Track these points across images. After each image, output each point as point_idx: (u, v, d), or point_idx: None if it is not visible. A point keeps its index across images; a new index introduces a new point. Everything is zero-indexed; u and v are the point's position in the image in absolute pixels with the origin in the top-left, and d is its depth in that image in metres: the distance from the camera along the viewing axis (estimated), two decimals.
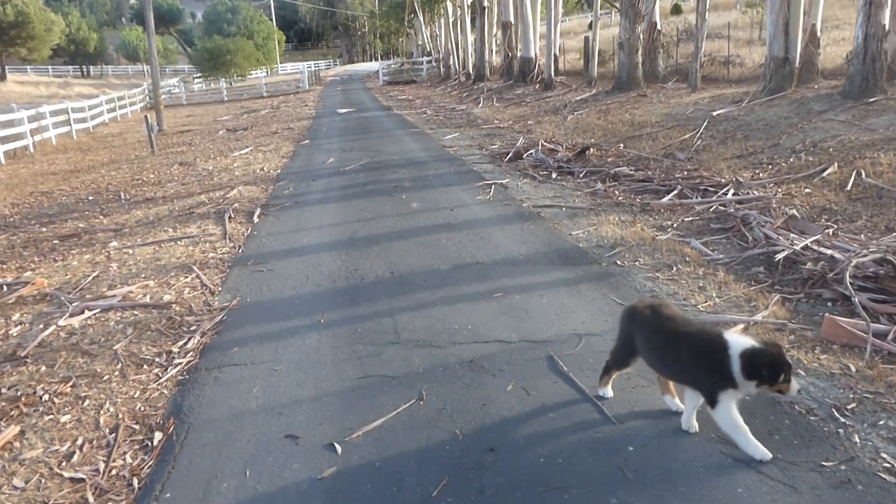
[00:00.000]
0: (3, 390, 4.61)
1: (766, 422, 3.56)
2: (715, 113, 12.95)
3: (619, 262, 6.28)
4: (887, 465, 3.16)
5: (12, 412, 4.30)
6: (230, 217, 9.24)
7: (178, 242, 8.22)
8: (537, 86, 24.50)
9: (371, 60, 79.88)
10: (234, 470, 3.50)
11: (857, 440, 3.38)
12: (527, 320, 5.07)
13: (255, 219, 9.17)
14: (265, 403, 4.16)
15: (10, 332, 5.69)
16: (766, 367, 3.13)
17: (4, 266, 7.80)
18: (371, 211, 9.12)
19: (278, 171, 13.24)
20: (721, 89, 15.84)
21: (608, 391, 3.88)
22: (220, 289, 6.41)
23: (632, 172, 10.13)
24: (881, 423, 3.51)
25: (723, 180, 8.94)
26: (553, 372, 4.25)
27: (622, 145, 12.41)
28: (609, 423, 3.65)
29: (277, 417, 3.99)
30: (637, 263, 6.23)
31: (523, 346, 4.64)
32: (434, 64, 46.69)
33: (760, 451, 3.22)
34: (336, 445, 3.63)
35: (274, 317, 5.59)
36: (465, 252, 6.89)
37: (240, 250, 7.71)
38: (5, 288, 6.90)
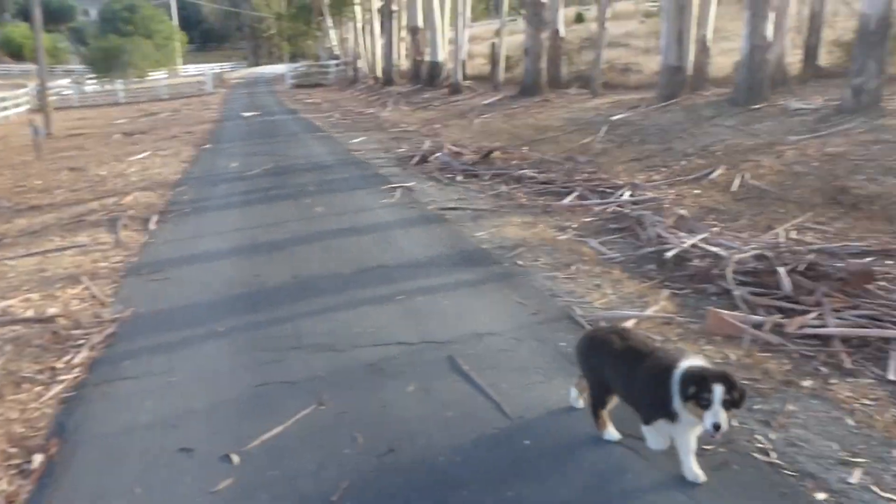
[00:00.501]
0: None
1: None
2: (614, 118, 13.43)
3: (520, 263, 6.41)
4: (760, 445, 3.37)
5: None
6: (124, 224, 8.84)
7: (66, 252, 7.79)
8: (445, 90, 24.71)
9: (278, 63, 78.30)
10: (122, 488, 3.35)
11: (735, 424, 3.58)
12: (428, 322, 5.11)
13: (152, 226, 8.82)
14: (158, 417, 4.00)
15: None
16: (695, 382, 2.85)
17: None
18: (274, 216, 8.95)
19: (178, 177, 12.79)
20: (620, 95, 16.46)
21: (610, 432, 3.45)
22: (111, 300, 6.12)
23: (535, 175, 10.36)
24: (756, 407, 3.73)
25: (620, 182, 9.28)
26: (453, 372, 4.30)
27: (526, 148, 12.68)
28: (507, 419, 3.72)
29: (171, 430, 3.84)
30: (538, 263, 6.38)
31: (424, 348, 4.66)
32: (342, 67, 46.25)
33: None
34: (232, 456, 3.53)
35: (170, 327, 5.39)
36: (369, 256, 6.86)
37: (134, 259, 7.40)
38: None
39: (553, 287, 5.76)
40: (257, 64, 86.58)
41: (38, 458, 3.67)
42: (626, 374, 3.25)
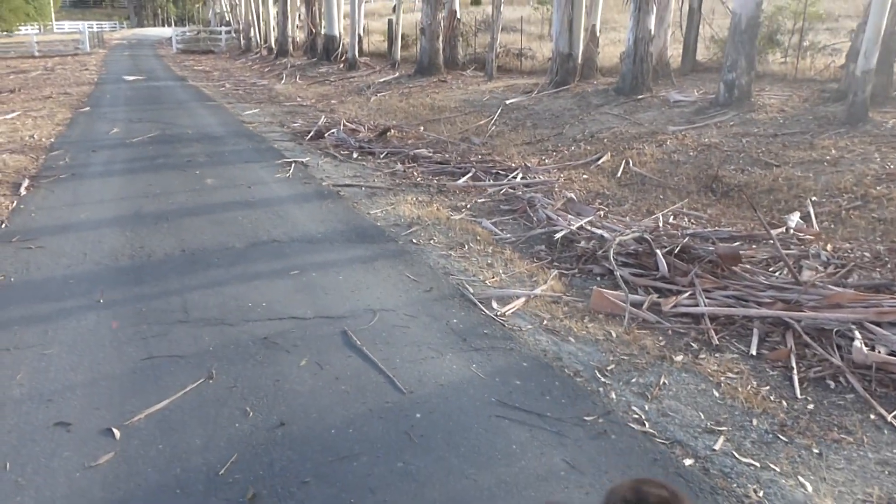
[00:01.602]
0: None
1: (539, 384, 3.90)
2: (508, 101, 13.71)
3: (414, 241, 6.49)
4: (636, 416, 3.62)
5: None
6: None
7: None
8: (341, 65, 24.31)
9: (164, 26, 74.35)
10: None
11: (614, 396, 3.82)
12: (323, 297, 5.10)
13: (23, 191, 8.23)
14: (31, 391, 3.80)
15: None
16: None
17: None
18: (161, 186, 8.57)
19: (52, 140, 11.95)
20: (514, 79, 16.79)
21: None
22: None
23: (430, 154, 10.45)
24: (633, 380, 3.99)
25: (513, 164, 9.51)
26: (347, 346, 4.32)
27: (422, 128, 12.74)
28: (400, 392, 3.80)
29: (46, 405, 3.66)
30: (432, 242, 6.48)
31: (318, 322, 4.66)
32: (234, 35, 44.47)
33: None
34: (114, 430, 3.42)
35: (44, 298, 5.09)
36: (261, 230, 6.73)
37: (2, 226, 6.90)
38: None
39: (446, 265, 5.87)
40: (140, 25, 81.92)
41: None
42: None
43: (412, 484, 3.07)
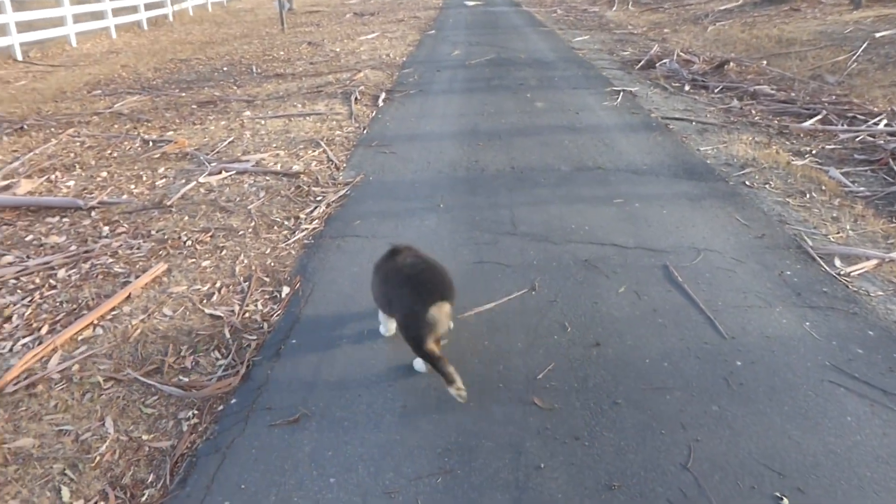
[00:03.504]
0: (153, 232, 5.07)
1: (887, 358, 3.45)
2: (878, 34, 11.78)
3: (747, 183, 6.03)
4: None
5: (160, 252, 4.74)
6: (356, 98, 9.42)
7: (307, 118, 8.50)
8: None
9: None
10: (353, 330, 3.76)
11: None
12: (645, 228, 5.02)
13: (380, 103, 9.31)
14: None
15: (156, 184, 6.17)
16: None
17: (150, 125, 8.34)
18: (494, 106, 9.06)
19: (404, 59, 13.25)
20: (889, 9, 14.32)
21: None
22: (344, 165, 6.65)
23: (773, 92, 9.49)
24: None
25: (876, 109, 8.24)
26: (667, 281, 4.24)
27: (765, 62, 11.57)
28: (720, 336, 3.64)
29: None
30: (767, 186, 5.96)
31: (639, 253, 4.62)
32: None
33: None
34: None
35: (395, 196, 5.78)
36: (586, 155, 6.79)
37: (364, 131, 7.91)
38: (151, 144, 7.41)
39: (783, 213, 5.38)
40: None
41: (285, 290, 4.20)
42: None
43: (727, 430, 2.96)
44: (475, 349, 3.56)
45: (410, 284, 3.22)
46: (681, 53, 12.46)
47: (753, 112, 8.59)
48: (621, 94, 9.62)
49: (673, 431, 2.96)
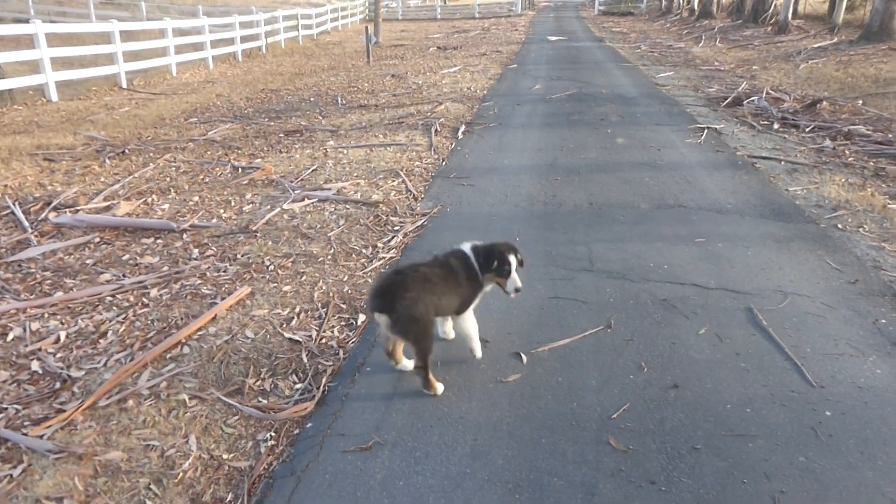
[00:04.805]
0: (239, 256, 5.27)
1: None
2: None
3: (839, 226, 5.78)
4: None
5: (245, 275, 4.92)
6: (436, 130, 9.58)
7: (388, 148, 8.69)
8: (769, 28, 22.42)
9: None
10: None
11: None
12: (728, 269, 4.87)
13: (460, 135, 9.44)
14: None
15: (243, 209, 6.43)
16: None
17: (240, 152, 8.72)
18: (574, 141, 9.03)
19: (484, 92, 13.41)
20: None
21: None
22: (422, 196, 6.76)
23: (868, 132, 9.10)
24: None
25: None
26: (751, 324, 4.09)
27: (861, 102, 11.12)
28: (808, 384, 3.48)
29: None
30: (861, 230, 5.70)
31: (721, 294, 4.48)
32: None
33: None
34: (522, 355, 3.79)
35: (471, 228, 5.81)
36: (668, 193, 6.67)
37: (443, 163, 8.02)
38: (240, 170, 7.73)
39: (878, 258, 5.12)
40: None
41: (361, 318, 4.27)
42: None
43: (814, 483, 2.81)
44: (548, 385, 3.52)
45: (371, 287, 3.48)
46: (770, 91, 12.14)
47: (847, 153, 8.26)
48: (705, 131, 9.43)
49: (756, 481, 2.83)
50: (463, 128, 9.87)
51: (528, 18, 39.18)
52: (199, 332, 4.13)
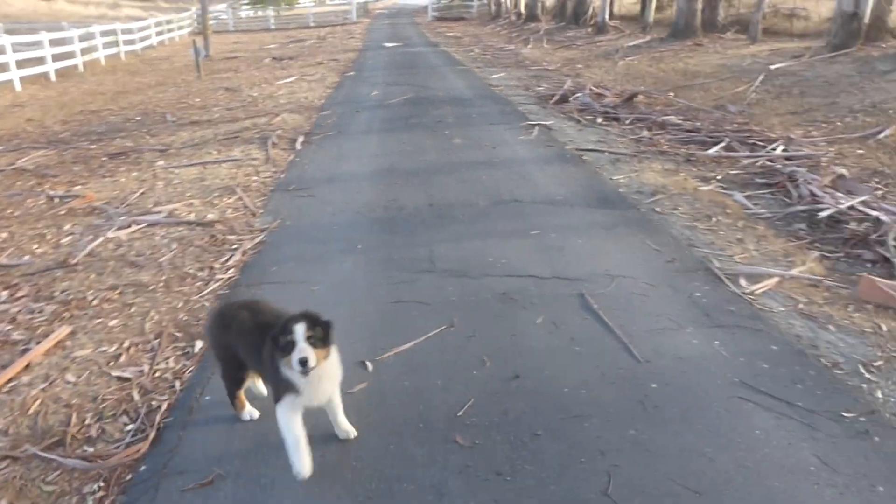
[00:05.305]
0: (56, 294, 4.84)
1: (790, 371, 3.59)
2: (773, 67, 12.51)
3: (658, 209, 6.24)
4: None
5: (64, 314, 4.53)
6: (273, 143, 9.35)
7: (223, 165, 8.37)
8: (590, 29, 23.88)
9: None
10: None
11: (880, 395, 3.40)
12: (561, 258, 5.12)
13: (298, 146, 9.26)
14: None
15: (61, 241, 5.93)
16: (279, 331, 2.73)
17: (56, 179, 8.04)
18: (413, 144, 9.14)
19: (322, 101, 13.27)
20: (782, 43, 15.28)
21: (250, 412, 3.33)
22: (261, 211, 6.56)
23: (680, 122, 9.92)
24: None
25: (773, 136, 8.70)
26: (583, 309, 4.31)
27: (672, 94, 12.11)
28: (635, 361, 3.71)
29: None
30: (676, 212, 6.18)
31: (555, 283, 4.69)
32: (485, 2, 45.56)
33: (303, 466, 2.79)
34: (367, 363, 3.76)
35: (312, 240, 5.72)
36: (504, 189, 6.90)
37: (282, 175, 7.83)
38: (56, 200, 7.13)
39: (691, 237, 5.58)
40: None
41: (198, 344, 4.06)
42: (257, 348, 2.91)
43: (644, 453, 3.00)
44: (394, 390, 3.52)
45: None
46: (593, 87, 12.90)
47: (662, 141, 8.94)
48: (537, 128, 9.87)
49: (592, 459, 2.98)
50: (301, 138, 9.69)
51: (364, 26, 39.25)
52: (10, 384, 3.74)
